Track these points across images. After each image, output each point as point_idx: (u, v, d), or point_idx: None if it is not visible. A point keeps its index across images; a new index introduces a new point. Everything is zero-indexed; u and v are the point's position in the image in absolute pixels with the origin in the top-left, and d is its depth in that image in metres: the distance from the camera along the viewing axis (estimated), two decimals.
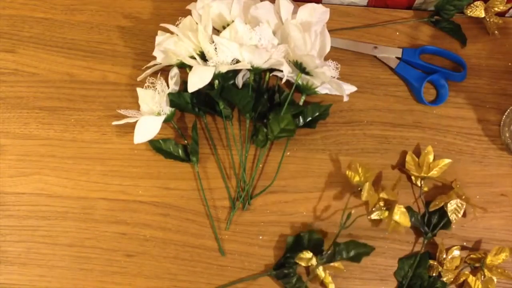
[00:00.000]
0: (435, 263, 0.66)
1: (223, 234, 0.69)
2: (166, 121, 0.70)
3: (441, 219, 0.68)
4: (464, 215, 0.68)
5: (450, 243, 0.68)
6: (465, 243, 0.69)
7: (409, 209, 0.68)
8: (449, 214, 0.66)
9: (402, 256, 0.68)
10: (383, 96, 0.74)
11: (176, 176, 0.71)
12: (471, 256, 0.67)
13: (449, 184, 0.70)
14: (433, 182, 0.71)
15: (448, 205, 0.66)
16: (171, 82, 0.70)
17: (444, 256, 0.67)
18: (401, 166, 0.71)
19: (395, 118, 0.73)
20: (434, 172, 0.69)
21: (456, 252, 0.67)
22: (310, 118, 0.71)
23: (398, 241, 0.69)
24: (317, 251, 0.66)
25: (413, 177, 0.70)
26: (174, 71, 0.71)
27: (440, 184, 0.71)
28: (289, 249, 0.67)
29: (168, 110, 0.70)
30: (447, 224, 0.68)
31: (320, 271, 0.65)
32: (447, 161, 0.69)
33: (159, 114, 0.69)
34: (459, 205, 0.66)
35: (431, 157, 0.69)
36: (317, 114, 0.71)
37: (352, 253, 0.66)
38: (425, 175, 0.69)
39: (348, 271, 0.68)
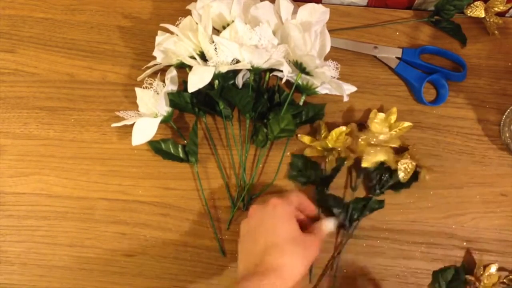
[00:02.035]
0: (473, 279, 0.65)
1: (223, 234, 0.69)
2: (163, 122, 0.69)
3: (391, 178, 0.68)
4: (416, 177, 0.68)
5: (449, 242, 0.68)
6: (465, 243, 0.69)
7: None
8: (399, 172, 0.66)
9: (437, 270, 0.64)
10: (383, 96, 0.74)
11: (176, 176, 0.71)
12: (510, 277, 0.66)
13: (406, 148, 0.70)
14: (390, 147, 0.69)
15: (399, 163, 0.67)
16: (168, 82, 0.70)
17: (482, 272, 0.66)
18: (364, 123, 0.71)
19: (395, 118, 0.73)
20: (393, 133, 0.69)
21: (493, 269, 0.66)
22: (305, 119, 0.71)
23: (398, 241, 0.69)
24: None
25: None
26: (172, 72, 0.71)
27: (398, 147, 0.69)
28: None
29: (164, 111, 0.69)
30: (398, 185, 0.68)
31: None
32: (407, 124, 0.69)
33: (156, 115, 0.69)
34: (410, 165, 0.67)
35: (393, 117, 0.69)
36: (312, 115, 0.71)
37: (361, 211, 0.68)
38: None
39: (348, 271, 0.68)
